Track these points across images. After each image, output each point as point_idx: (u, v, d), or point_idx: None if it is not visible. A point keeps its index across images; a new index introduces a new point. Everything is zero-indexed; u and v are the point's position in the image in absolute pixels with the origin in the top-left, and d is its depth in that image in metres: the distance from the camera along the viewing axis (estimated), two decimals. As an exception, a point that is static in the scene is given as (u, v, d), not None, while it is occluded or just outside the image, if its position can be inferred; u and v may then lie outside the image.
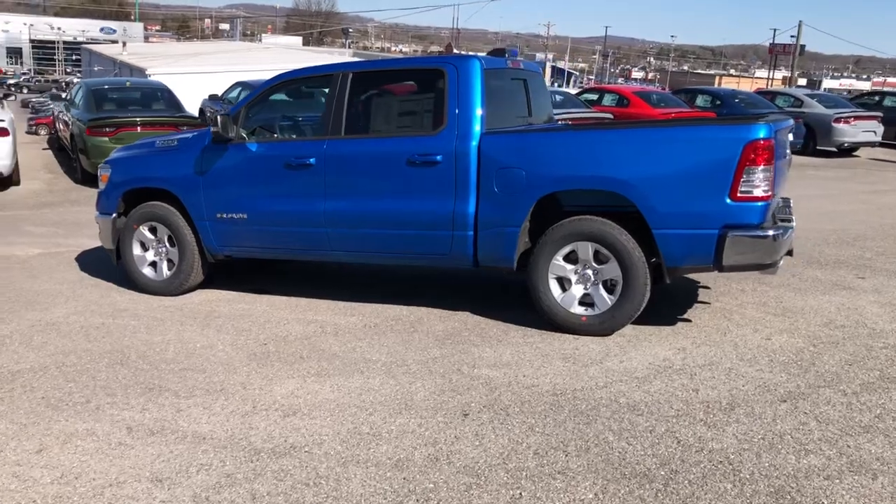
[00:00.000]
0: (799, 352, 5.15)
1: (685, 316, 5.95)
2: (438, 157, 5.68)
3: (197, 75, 28.19)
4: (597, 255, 5.43)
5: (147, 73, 32.58)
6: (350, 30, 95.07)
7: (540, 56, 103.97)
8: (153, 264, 6.79)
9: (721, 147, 5.09)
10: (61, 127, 15.58)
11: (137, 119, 12.50)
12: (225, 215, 6.39)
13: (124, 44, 50.77)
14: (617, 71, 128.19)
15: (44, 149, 18.84)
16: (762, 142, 4.99)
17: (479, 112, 5.66)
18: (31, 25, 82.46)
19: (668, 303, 6.19)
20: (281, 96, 7.45)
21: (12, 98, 20.85)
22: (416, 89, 6.19)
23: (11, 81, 61.52)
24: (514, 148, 5.62)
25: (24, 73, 74.24)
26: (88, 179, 12.46)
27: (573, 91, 24.14)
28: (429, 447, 3.79)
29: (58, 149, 17.65)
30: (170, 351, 5.26)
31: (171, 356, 5.16)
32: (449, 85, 5.74)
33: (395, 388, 4.57)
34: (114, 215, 6.89)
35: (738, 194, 5.04)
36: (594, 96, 19.53)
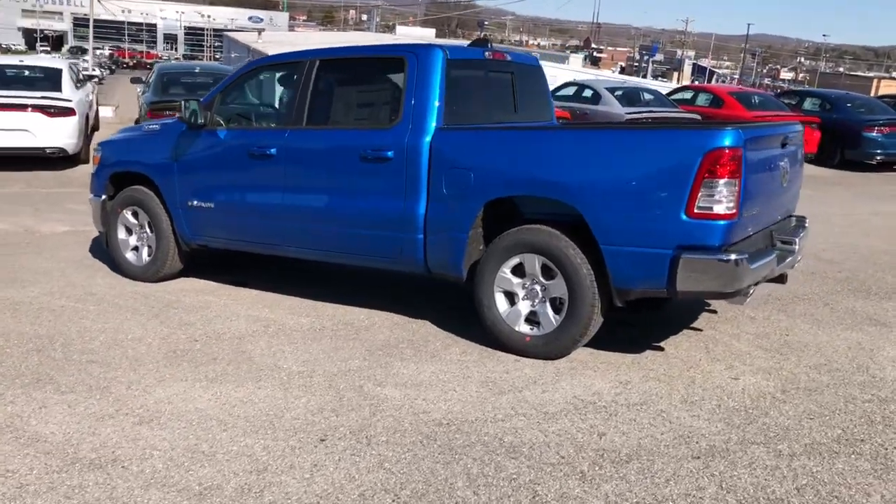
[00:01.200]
0: (759, 398, 4.42)
1: (662, 343, 5.29)
2: (390, 154, 5.27)
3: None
4: (545, 269, 4.88)
5: None
6: (486, 22, 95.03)
7: (679, 53, 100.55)
8: (136, 249, 6.73)
9: (677, 155, 4.43)
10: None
11: None
12: (195, 203, 6.23)
13: (260, 32, 52.86)
14: (764, 70, 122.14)
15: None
16: (727, 151, 4.29)
17: (436, 105, 5.21)
18: (183, 13, 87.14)
19: (659, 325, 5.54)
20: (270, 83, 7.23)
21: (97, 80, 21.61)
22: (377, 79, 5.79)
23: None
24: (465, 146, 5.14)
25: (175, 58, 78.70)
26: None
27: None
28: (251, 475, 3.42)
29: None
30: (97, 341, 5.13)
31: (93, 346, 5.02)
32: (408, 75, 5.32)
33: (277, 402, 4.22)
34: (103, 197, 6.87)
35: (696, 210, 4.37)
36: (687, 95, 18.37)
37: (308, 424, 3.94)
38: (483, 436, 3.84)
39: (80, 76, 14.94)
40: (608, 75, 37.72)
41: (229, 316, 5.73)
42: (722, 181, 4.31)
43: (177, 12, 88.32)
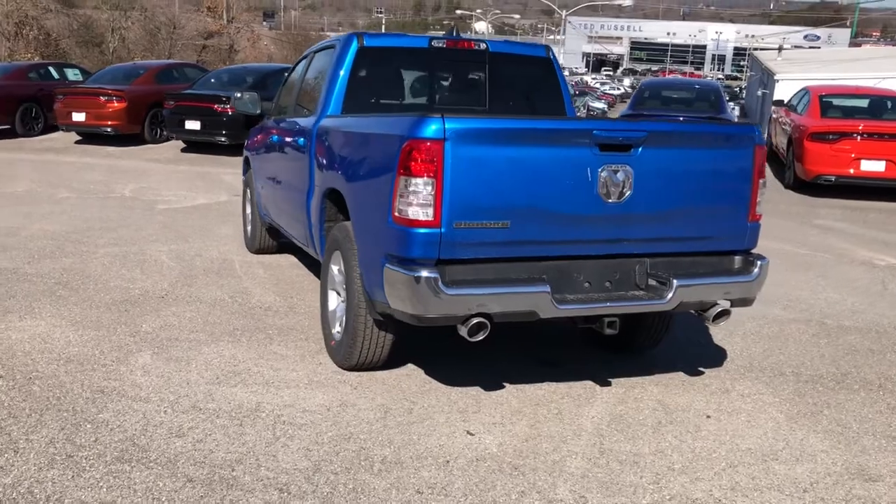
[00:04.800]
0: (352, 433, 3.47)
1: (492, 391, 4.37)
2: (301, 140, 5.34)
3: (812, 81, 27.21)
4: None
5: (776, 77, 32.77)
6: None
7: None
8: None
9: (386, 148, 3.73)
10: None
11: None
12: (257, 184, 6.99)
13: (780, 49, 50.25)
14: None
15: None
16: (422, 143, 3.49)
17: (335, 92, 5.10)
18: (720, 33, 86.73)
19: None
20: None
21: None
22: (323, 69, 5.76)
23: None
24: (324, 135, 4.91)
25: (718, 78, 79.00)
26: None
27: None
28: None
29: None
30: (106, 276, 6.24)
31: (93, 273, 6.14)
32: (332, 63, 5.29)
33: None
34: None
35: (396, 214, 3.64)
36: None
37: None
38: (149, 443, 3.87)
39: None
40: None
41: (252, 278, 6.33)
42: (417, 180, 3.51)
43: (716, 32, 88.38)
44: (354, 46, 5.11)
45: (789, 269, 7.60)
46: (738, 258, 4.12)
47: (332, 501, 3.08)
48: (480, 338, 3.66)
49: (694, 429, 3.94)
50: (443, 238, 3.53)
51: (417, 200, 3.50)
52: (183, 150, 15.12)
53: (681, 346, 5.20)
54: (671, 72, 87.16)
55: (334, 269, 4.60)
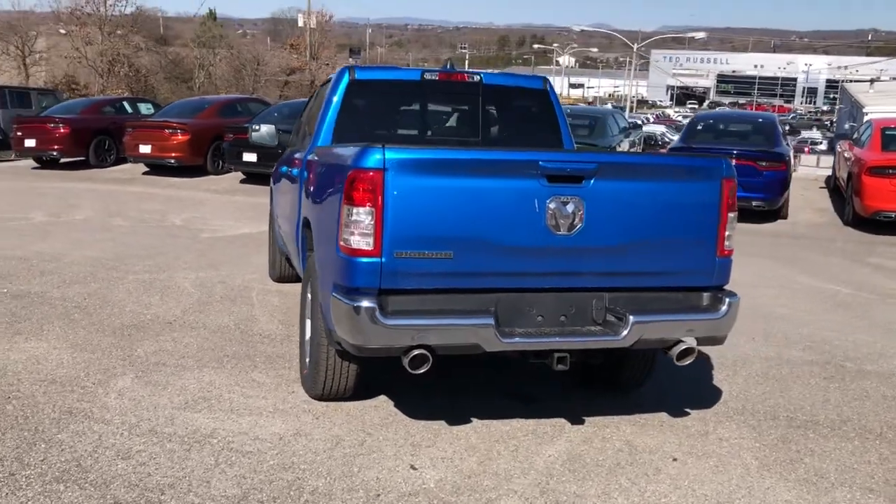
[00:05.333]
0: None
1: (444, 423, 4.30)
2: (295, 171, 5.44)
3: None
4: (324, 298, 4.50)
5: (864, 110, 32.29)
6: None
7: None
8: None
9: (338, 177, 3.75)
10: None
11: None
12: (275, 214, 7.14)
13: (872, 81, 48.60)
14: None
15: (820, 187, 16.37)
16: (368, 173, 3.50)
17: (331, 125, 5.19)
18: (810, 65, 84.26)
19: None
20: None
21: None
22: (322, 101, 5.84)
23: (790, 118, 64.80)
24: (309, 165, 4.97)
25: (801, 114, 76.75)
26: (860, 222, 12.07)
27: None
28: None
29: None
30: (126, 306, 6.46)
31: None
32: (326, 96, 5.39)
33: None
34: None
35: (341, 242, 3.65)
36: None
37: None
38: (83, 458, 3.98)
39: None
40: None
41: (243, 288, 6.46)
42: (359, 209, 3.52)
43: (806, 64, 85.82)
44: (346, 80, 5.19)
45: (823, 309, 7.26)
46: (706, 295, 3.95)
47: (247, 530, 3.07)
48: (423, 370, 3.60)
49: (653, 472, 3.77)
50: (384, 267, 3.52)
51: (359, 230, 3.51)
52: (242, 182, 15.57)
53: (676, 384, 5.02)
54: (759, 105, 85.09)
55: (309, 298, 4.63)
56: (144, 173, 16.55)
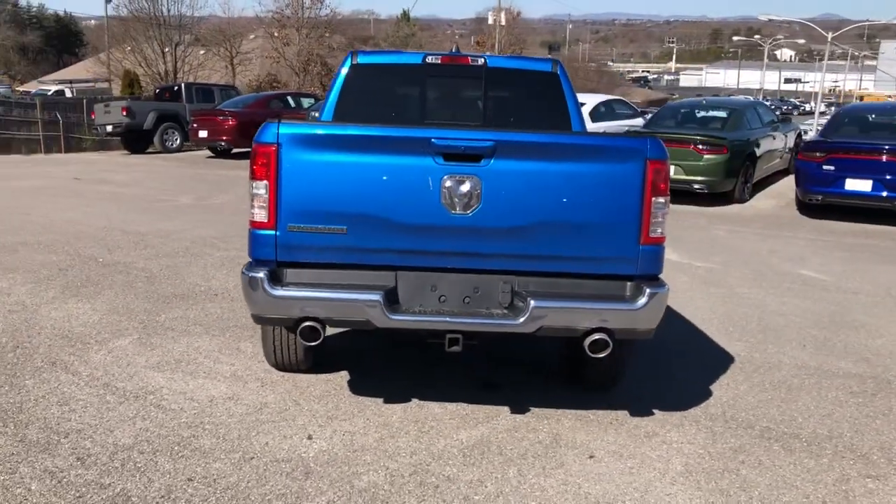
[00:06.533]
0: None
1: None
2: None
3: None
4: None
5: None
6: None
7: None
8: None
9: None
10: None
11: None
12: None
13: None
14: None
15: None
16: (264, 148, 3.62)
17: (331, 109, 5.34)
18: None
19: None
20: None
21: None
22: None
23: None
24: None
25: None
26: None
27: None
28: None
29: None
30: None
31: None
32: (332, 81, 5.56)
33: None
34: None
35: (250, 216, 3.79)
36: None
37: None
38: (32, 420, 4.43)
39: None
40: None
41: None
42: (258, 183, 3.64)
43: None
44: (348, 64, 5.31)
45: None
46: (629, 284, 3.69)
47: (110, 473, 3.30)
48: (315, 343, 3.66)
49: (554, 466, 3.59)
50: (279, 240, 3.62)
51: (258, 203, 3.63)
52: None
53: (670, 386, 4.71)
54: None
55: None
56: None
